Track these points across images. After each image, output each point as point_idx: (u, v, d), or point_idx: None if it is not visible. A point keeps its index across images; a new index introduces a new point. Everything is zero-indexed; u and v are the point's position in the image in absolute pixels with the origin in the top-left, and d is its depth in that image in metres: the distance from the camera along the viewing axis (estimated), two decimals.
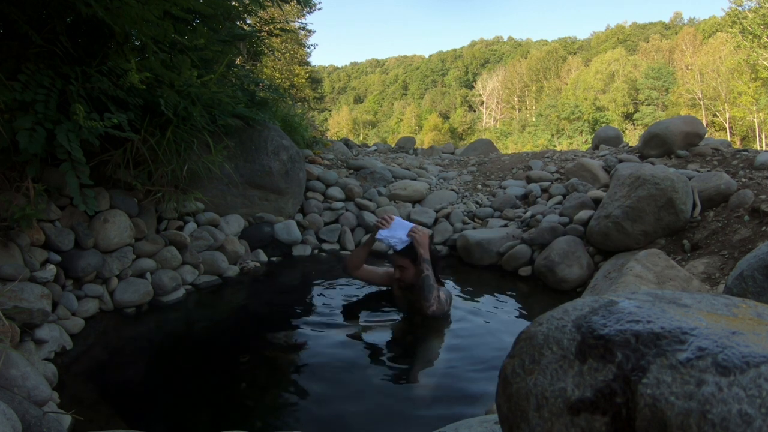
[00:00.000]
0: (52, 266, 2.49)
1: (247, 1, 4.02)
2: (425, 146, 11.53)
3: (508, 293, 3.31)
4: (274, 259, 3.85)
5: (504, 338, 2.48)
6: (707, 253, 3.03)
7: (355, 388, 1.99)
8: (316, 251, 4.08)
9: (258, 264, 3.66)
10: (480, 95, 58.64)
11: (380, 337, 2.50)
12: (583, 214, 3.68)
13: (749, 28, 22.22)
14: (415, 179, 5.05)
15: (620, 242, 3.31)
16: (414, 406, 1.92)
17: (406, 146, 7.95)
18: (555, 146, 37.77)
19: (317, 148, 5.81)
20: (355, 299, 3.04)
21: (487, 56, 72.29)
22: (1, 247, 2.28)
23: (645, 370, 0.64)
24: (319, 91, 19.40)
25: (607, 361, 0.68)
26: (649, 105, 39.70)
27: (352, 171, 5.08)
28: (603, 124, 33.08)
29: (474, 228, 4.22)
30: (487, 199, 4.75)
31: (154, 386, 2.14)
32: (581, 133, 41.30)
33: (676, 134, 4.77)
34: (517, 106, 56.20)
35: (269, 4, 4.39)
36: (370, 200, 4.56)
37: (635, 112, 39.93)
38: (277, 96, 4.90)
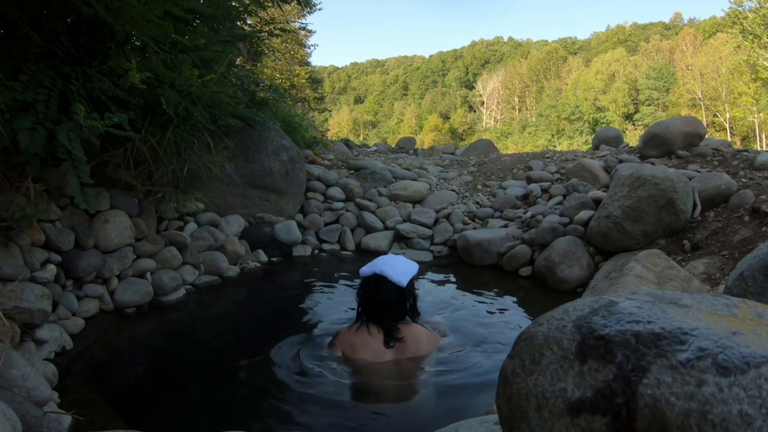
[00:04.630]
0: (52, 266, 2.49)
1: (248, 1, 4.03)
2: (425, 146, 11.52)
3: (509, 294, 3.31)
4: (274, 259, 3.85)
5: (504, 338, 2.48)
6: (707, 254, 3.03)
7: (355, 388, 1.99)
8: (316, 251, 4.08)
9: (258, 264, 3.66)
10: (480, 95, 58.66)
11: None
12: (584, 214, 3.68)
13: (749, 28, 22.23)
14: (415, 179, 5.05)
15: (620, 242, 3.31)
16: (414, 406, 1.92)
17: (406, 146, 7.94)
18: (555, 146, 37.77)
19: (317, 148, 5.81)
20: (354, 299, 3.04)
21: (487, 56, 72.32)
22: (1, 247, 2.28)
23: (645, 370, 0.64)
24: (320, 91, 19.41)
25: (608, 361, 0.68)
26: (649, 105, 39.68)
27: (352, 171, 5.08)
28: (603, 125, 33.10)
29: (474, 228, 4.21)
30: (488, 199, 4.75)
31: (154, 386, 2.14)
32: (581, 133, 41.30)
33: (676, 134, 4.77)
34: (517, 107, 56.21)
35: (269, 4, 4.39)
36: (371, 200, 4.56)
37: (636, 112, 39.91)
38: (278, 96, 4.90)
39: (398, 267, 2.14)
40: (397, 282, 2.10)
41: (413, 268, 2.20)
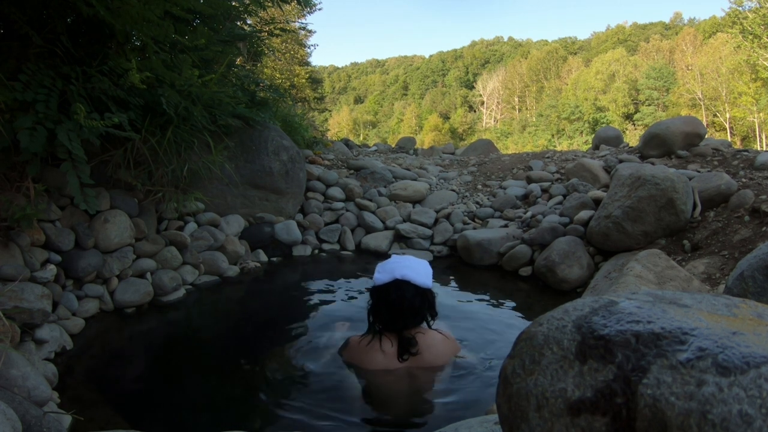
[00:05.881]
0: (52, 266, 2.49)
1: (248, 1, 4.03)
2: (425, 146, 11.53)
3: (508, 294, 3.31)
4: (274, 259, 3.85)
5: (504, 338, 2.48)
6: (707, 254, 3.03)
7: (355, 388, 1.99)
8: (316, 251, 4.08)
9: (258, 264, 3.66)
10: (480, 95, 58.69)
11: None
12: (584, 214, 3.68)
13: (749, 28, 22.26)
14: (415, 179, 5.05)
15: (620, 242, 3.31)
16: (414, 406, 1.92)
17: (406, 146, 7.94)
18: (555, 146, 37.78)
19: (317, 148, 5.81)
20: (354, 299, 3.04)
21: (487, 56, 72.36)
22: (1, 247, 2.28)
23: (645, 370, 0.64)
24: (320, 91, 19.42)
25: (608, 361, 0.68)
26: (649, 105, 39.70)
27: (352, 171, 5.08)
28: (603, 125, 33.12)
29: (474, 228, 4.21)
30: (488, 199, 4.75)
31: (154, 386, 2.14)
32: (581, 133, 41.33)
33: (676, 134, 4.77)
34: (517, 107, 56.23)
35: (269, 4, 4.39)
36: (371, 200, 4.56)
37: (636, 112, 39.93)
38: (278, 96, 4.90)
39: (418, 269, 2.01)
40: (423, 285, 1.99)
41: (428, 265, 2.10)
